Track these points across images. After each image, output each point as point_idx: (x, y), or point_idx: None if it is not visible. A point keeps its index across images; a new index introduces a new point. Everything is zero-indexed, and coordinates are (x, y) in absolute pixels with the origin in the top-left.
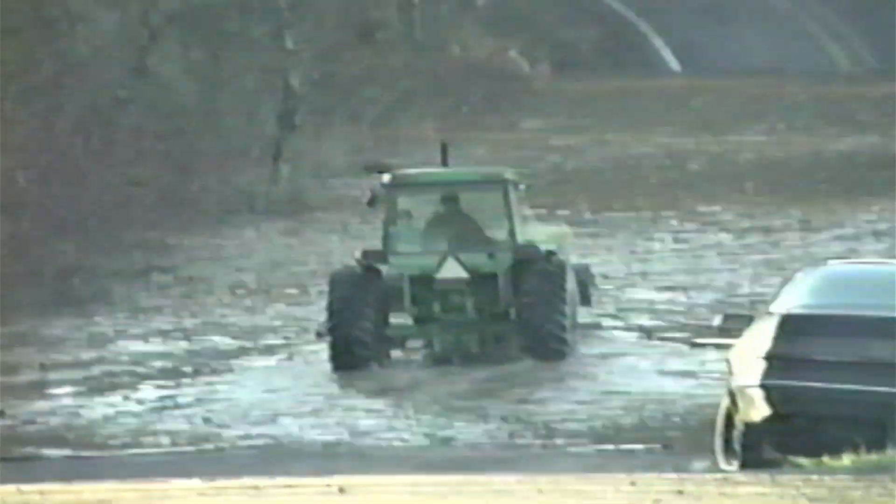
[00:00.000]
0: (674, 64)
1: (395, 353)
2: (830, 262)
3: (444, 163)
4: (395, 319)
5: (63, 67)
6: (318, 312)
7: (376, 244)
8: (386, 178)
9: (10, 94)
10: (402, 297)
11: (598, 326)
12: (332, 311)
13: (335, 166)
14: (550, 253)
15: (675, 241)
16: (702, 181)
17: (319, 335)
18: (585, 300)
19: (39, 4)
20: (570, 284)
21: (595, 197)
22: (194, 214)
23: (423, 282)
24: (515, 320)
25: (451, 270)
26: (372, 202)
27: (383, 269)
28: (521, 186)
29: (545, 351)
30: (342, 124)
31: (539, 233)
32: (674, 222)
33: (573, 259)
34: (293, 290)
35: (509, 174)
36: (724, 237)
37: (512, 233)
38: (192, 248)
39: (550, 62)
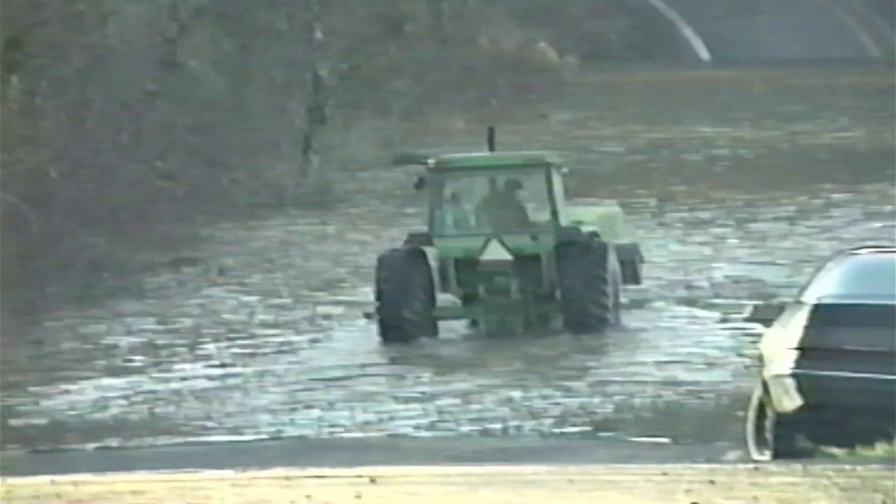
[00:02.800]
0: (703, 53)
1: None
2: (861, 250)
3: (491, 147)
4: (442, 300)
5: (92, 61)
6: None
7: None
8: (432, 162)
9: (39, 88)
10: (448, 279)
11: (641, 304)
12: (380, 291)
13: (364, 159)
14: (593, 234)
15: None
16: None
17: (368, 316)
18: (634, 279)
19: None
20: (612, 264)
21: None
22: (224, 207)
23: (468, 264)
24: (559, 301)
25: (495, 252)
26: (419, 185)
27: (429, 251)
28: (564, 169)
29: (587, 329)
30: (371, 117)
31: (586, 214)
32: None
33: (626, 239)
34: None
35: (552, 158)
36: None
37: (555, 214)
38: (223, 241)
39: (579, 53)
